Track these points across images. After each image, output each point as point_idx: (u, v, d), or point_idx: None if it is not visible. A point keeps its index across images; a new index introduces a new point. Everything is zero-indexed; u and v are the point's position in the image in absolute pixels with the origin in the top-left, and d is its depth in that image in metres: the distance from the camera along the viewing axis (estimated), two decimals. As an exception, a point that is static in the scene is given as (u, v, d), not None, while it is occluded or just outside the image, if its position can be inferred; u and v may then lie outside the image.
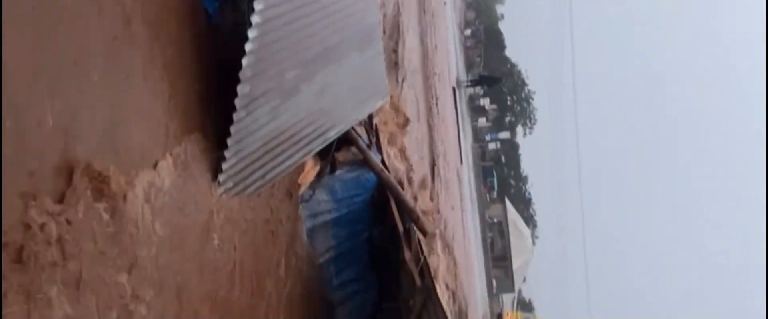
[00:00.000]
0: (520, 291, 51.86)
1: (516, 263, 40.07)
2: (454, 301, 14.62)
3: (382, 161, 6.61)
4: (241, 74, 3.66)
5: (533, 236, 53.52)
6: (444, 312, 4.99)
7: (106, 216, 2.83)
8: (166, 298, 3.29)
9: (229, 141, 3.78)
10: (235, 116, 3.72)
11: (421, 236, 5.83)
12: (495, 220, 42.37)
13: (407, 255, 5.54)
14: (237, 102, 3.70)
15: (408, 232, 5.82)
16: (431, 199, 13.33)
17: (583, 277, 75.23)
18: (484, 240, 39.39)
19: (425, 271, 5.40)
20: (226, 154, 3.82)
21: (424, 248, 5.78)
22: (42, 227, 2.44)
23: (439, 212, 14.40)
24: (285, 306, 5.24)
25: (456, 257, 16.79)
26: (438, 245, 11.94)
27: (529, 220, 59.24)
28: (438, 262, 11.76)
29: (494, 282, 40.11)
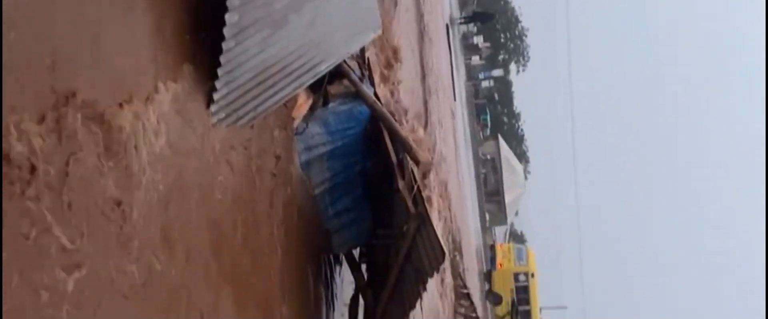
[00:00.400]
0: (512, 224, 53.19)
1: (508, 197, 40.91)
2: (448, 232, 15.03)
3: (375, 94, 6.63)
4: (229, 2, 3.63)
5: (526, 172, 54.30)
6: (437, 237, 5.17)
7: (99, 148, 2.86)
8: (160, 228, 3.38)
9: (220, 71, 3.79)
10: (224, 46, 3.71)
11: (414, 166, 5.95)
12: (488, 156, 42.85)
13: (400, 184, 5.68)
14: (226, 31, 3.69)
15: (401, 162, 5.94)
16: (425, 132, 13.44)
17: (573, 212, 76.85)
18: (477, 176, 40.00)
19: (418, 199, 5.55)
20: (217, 84, 3.84)
21: (418, 177, 5.90)
22: (33, 154, 2.46)
23: (433, 145, 14.54)
24: (282, 236, 5.41)
25: (450, 191, 17.11)
26: (431, 177, 12.15)
27: (522, 156, 59.89)
28: (431, 192, 12.00)
29: (487, 216, 41.09)
